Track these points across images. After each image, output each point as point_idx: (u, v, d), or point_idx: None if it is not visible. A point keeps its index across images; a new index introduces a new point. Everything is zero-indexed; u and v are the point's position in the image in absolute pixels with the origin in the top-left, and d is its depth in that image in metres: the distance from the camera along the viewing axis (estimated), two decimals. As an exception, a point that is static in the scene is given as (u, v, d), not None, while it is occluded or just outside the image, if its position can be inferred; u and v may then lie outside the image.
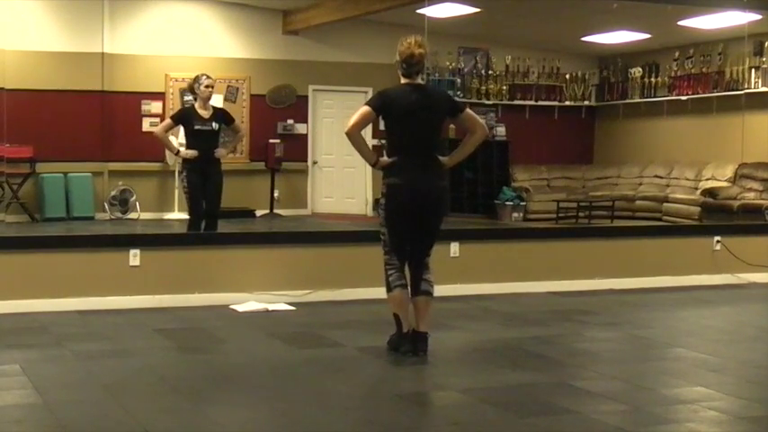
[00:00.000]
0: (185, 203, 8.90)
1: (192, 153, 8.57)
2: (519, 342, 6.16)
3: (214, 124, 8.64)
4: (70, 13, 13.87)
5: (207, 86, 8.63)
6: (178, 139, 10.07)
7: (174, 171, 13.68)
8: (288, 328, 6.59)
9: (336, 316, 7.10)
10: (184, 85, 13.68)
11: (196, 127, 8.58)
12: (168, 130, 9.01)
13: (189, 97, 11.46)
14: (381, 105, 5.56)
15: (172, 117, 9.11)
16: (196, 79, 8.71)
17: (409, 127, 5.56)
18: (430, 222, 5.68)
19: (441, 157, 5.70)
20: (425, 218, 5.63)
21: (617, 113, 16.48)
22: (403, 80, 5.67)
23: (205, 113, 8.63)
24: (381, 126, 6.06)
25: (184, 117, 8.77)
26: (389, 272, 5.67)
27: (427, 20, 12.15)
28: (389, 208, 5.62)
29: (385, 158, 5.65)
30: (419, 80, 5.69)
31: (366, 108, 5.53)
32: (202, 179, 8.61)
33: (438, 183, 5.64)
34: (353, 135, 5.51)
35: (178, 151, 8.91)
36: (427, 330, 5.68)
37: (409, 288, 5.69)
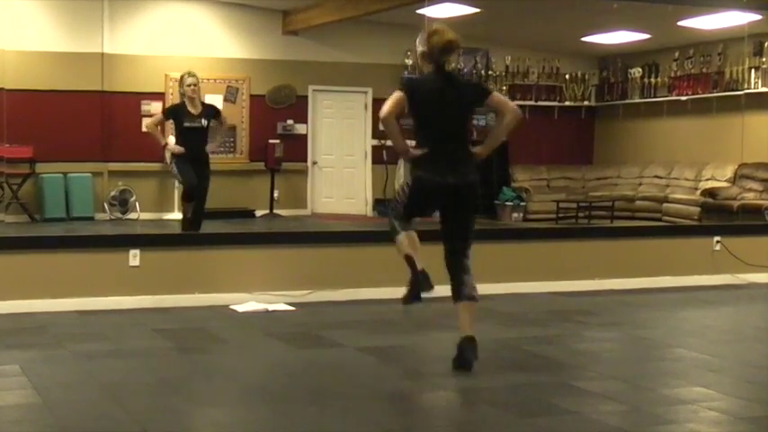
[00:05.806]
0: (180, 196, 8.96)
1: (178, 149, 8.65)
2: (519, 342, 6.16)
3: (203, 121, 8.70)
4: (70, 13, 13.86)
5: (189, 85, 8.66)
6: (166, 137, 10.09)
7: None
8: (288, 328, 6.59)
9: (336, 316, 7.10)
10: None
11: (185, 124, 8.66)
12: (158, 124, 9.08)
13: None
14: (409, 89, 5.34)
15: (163, 111, 9.18)
16: (181, 79, 8.76)
17: (437, 116, 5.34)
18: (458, 217, 5.52)
19: (473, 148, 5.51)
20: (453, 212, 5.48)
21: (617, 114, 16.47)
22: (426, 68, 5.45)
23: (194, 110, 8.71)
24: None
25: (174, 113, 8.85)
26: (395, 221, 5.44)
27: (427, 20, 12.14)
28: (413, 195, 5.41)
29: (415, 150, 5.39)
30: (446, 68, 5.44)
31: (398, 93, 5.30)
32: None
33: (467, 178, 5.45)
34: (389, 121, 5.26)
35: (166, 143, 8.98)
36: (473, 334, 5.45)
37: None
